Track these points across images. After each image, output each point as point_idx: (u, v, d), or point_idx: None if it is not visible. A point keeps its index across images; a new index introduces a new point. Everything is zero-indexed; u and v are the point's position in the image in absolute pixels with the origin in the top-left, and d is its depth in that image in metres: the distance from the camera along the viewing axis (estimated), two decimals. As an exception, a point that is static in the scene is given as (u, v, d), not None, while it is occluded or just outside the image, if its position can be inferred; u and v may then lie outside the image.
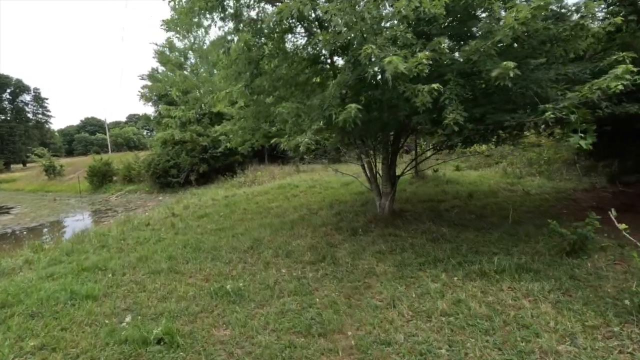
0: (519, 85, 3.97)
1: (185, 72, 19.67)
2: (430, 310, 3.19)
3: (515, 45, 4.36)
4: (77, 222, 13.70)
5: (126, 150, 51.05)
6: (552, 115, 3.38)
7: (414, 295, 3.54)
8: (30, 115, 55.33)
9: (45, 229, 12.82)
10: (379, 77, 5.13)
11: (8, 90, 51.80)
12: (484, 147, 10.16)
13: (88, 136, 69.55)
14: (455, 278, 3.85)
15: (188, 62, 21.53)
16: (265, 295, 3.82)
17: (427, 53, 3.16)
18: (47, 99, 57.32)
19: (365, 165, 6.75)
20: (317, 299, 3.62)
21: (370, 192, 9.23)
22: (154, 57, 21.19)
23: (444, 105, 3.84)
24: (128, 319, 3.35)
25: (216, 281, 4.29)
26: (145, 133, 74.17)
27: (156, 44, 20.93)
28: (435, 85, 3.28)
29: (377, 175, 6.83)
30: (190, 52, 21.02)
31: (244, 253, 5.36)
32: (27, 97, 54.58)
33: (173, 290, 4.12)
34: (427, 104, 3.64)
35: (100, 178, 23.34)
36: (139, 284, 4.37)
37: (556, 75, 4.09)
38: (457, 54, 4.49)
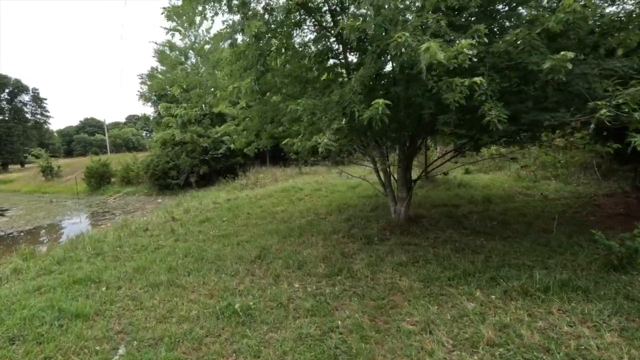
0: (560, 80, 3.56)
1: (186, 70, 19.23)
2: (473, 338, 2.75)
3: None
4: (73, 225, 13.23)
5: (125, 151, 50.61)
6: (608, 114, 2.96)
7: (449, 318, 3.10)
8: (28, 116, 54.75)
9: (40, 232, 12.35)
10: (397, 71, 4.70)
11: (6, 90, 51.22)
12: (492, 148, 9.74)
13: (87, 137, 68.98)
14: (493, 296, 3.41)
15: (188, 62, 21.14)
16: (278, 315, 3.37)
17: (470, 41, 2.73)
18: (45, 99, 56.79)
19: (380, 169, 6.32)
20: (339, 321, 3.18)
21: (379, 196, 8.81)
22: (153, 56, 20.81)
23: (478, 104, 3.42)
24: (122, 350, 2.89)
25: (222, 297, 3.84)
26: (144, 134, 73.69)
27: (156, 43, 20.57)
28: (478, 79, 2.84)
29: (392, 179, 6.41)
30: (190, 51, 20.66)
31: (250, 264, 4.92)
32: (25, 97, 54.02)
33: (174, 308, 3.67)
34: (460, 100, 3.24)
35: (98, 179, 22.88)
36: (136, 300, 3.92)
37: (600, 70, 3.68)
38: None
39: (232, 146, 7.12)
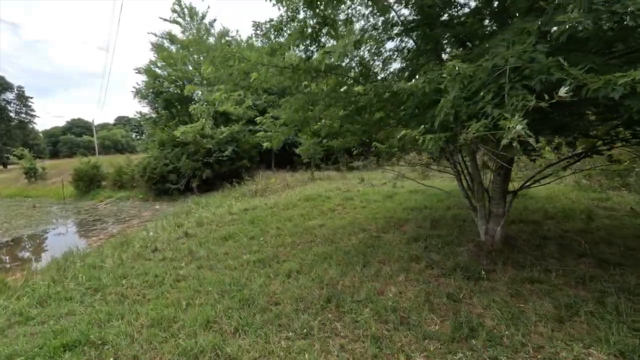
0: None
1: (189, 67, 17.70)
2: None
3: None
4: (59, 236, 11.47)
5: (114, 153, 48.46)
6: None
7: None
8: (12, 115, 52.00)
9: (19, 246, 10.55)
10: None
11: (-11, 88, 48.62)
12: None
13: (74, 138, 66.23)
14: None
15: (190, 58, 19.54)
16: None
17: None
18: (31, 97, 54.05)
19: (470, 175, 4.92)
20: None
21: (430, 208, 7.40)
22: (151, 50, 19.18)
23: None
24: None
25: (313, 388, 2.34)
26: (134, 136, 71.36)
27: (155, 35, 18.93)
28: None
29: (476, 188, 4.99)
30: (191, 48, 19.06)
31: (322, 312, 3.41)
32: (9, 95, 51.32)
33: (239, 414, 2.15)
34: None
35: (88, 183, 20.96)
36: (168, 392, 2.39)
37: None
38: None
39: (266, 145, 5.63)
